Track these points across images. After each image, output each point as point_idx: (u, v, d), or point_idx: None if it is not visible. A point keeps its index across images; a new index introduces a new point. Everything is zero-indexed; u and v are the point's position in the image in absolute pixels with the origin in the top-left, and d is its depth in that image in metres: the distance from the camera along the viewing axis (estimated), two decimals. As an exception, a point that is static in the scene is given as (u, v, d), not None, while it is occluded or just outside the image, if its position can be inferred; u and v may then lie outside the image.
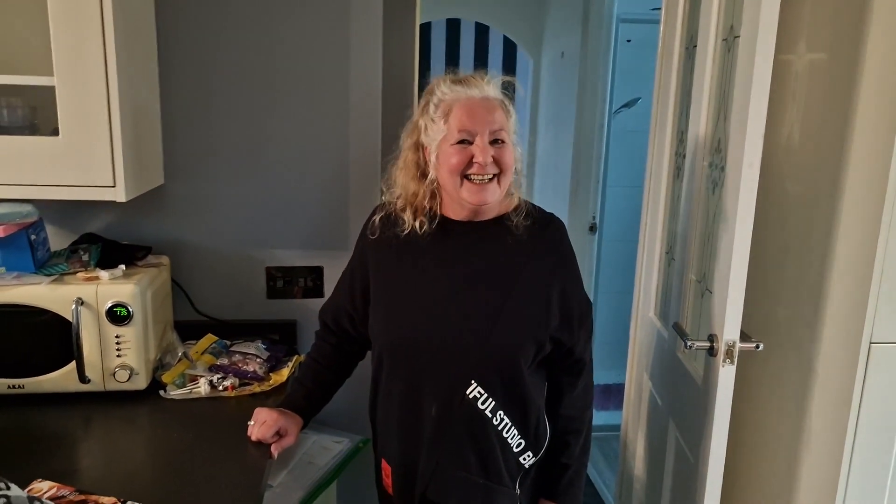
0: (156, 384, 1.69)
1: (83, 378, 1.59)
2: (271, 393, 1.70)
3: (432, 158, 1.38)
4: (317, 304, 1.78)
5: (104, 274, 1.63)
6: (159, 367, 1.73)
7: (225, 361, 1.76)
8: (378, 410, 1.51)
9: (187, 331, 1.88)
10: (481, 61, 4.83)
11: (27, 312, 1.55)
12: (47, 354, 1.58)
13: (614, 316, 3.44)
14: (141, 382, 1.64)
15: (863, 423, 1.39)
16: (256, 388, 1.71)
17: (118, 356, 1.61)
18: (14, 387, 1.59)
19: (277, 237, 1.98)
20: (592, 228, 3.80)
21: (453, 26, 4.81)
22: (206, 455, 1.41)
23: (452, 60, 4.80)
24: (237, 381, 1.70)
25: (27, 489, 0.74)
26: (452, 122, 1.34)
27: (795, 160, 1.59)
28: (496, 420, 1.40)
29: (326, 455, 1.84)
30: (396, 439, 1.47)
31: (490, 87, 1.37)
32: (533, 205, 1.47)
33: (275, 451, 1.45)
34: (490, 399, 1.38)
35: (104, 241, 1.81)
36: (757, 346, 1.50)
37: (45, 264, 1.65)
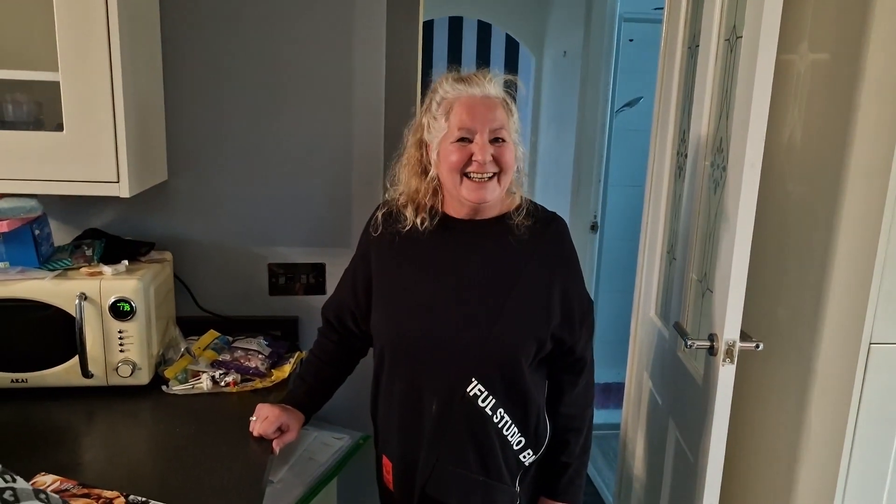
0: (158, 379, 1.69)
1: (86, 373, 1.60)
2: (273, 389, 1.71)
3: (433, 156, 1.39)
4: (319, 300, 1.79)
5: (107, 269, 1.63)
6: (162, 362, 1.74)
7: (227, 357, 1.76)
8: (379, 407, 1.52)
9: (190, 326, 1.88)
10: (483, 59, 4.83)
11: (31, 307, 1.56)
12: (51, 349, 1.59)
13: (615, 315, 3.45)
14: (143, 378, 1.65)
15: (862, 423, 1.39)
16: (258, 384, 1.71)
17: (121, 351, 1.61)
18: (17, 381, 1.59)
19: (280, 234, 1.99)
20: (593, 227, 3.81)
21: (456, 24, 4.81)
22: (207, 450, 1.42)
23: (455, 59, 4.80)
24: (239, 376, 1.71)
25: (31, 482, 0.74)
26: (453, 120, 1.34)
27: (797, 160, 1.59)
28: (496, 418, 1.40)
29: (327, 451, 1.84)
30: (397, 436, 1.47)
31: (491, 85, 1.37)
32: (535, 204, 1.48)
33: (276, 446, 1.46)
34: (490, 397, 1.39)
35: (108, 237, 1.82)
36: (757, 346, 1.51)
37: (48, 259, 1.66)
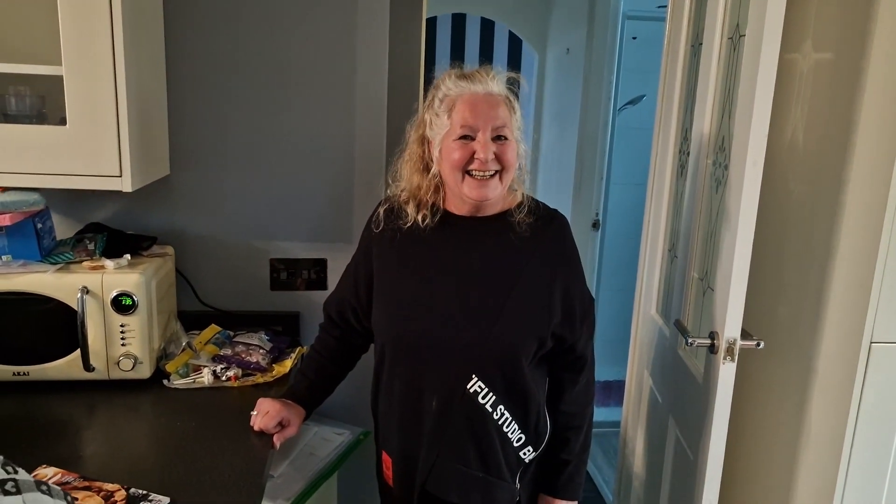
0: (159, 373, 1.70)
1: (88, 366, 1.60)
2: (274, 384, 1.71)
3: (435, 153, 1.39)
4: (320, 296, 1.79)
5: (109, 263, 1.63)
6: (163, 356, 1.74)
7: (228, 352, 1.77)
8: (379, 403, 1.52)
9: (191, 321, 1.89)
10: (486, 56, 4.83)
11: (33, 300, 1.56)
12: (52, 342, 1.60)
13: (616, 313, 3.45)
14: (145, 371, 1.65)
15: (862, 422, 1.39)
16: (259, 378, 1.72)
17: (122, 345, 1.62)
18: (19, 374, 1.60)
19: (282, 229, 1.99)
20: (595, 225, 3.81)
21: (459, 21, 4.81)
22: (208, 444, 1.42)
23: (458, 55, 4.80)
24: (240, 371, 1.71)
25: (32, 474, 0.75)
26: (455, 117, 1.34)
27: (799, 159, 1.59)
28: (496, 415, 1.40)
29: (328, 446, 1.85)
30: (397, 432, 1.48)
31: (494, 82, 1.36)
32: (536, 201, 1.48)
33: (277, 441, 1.46)
34: (491, 394, 1.39)
35: (110, 231, 1.82)
36: (758, 345, 1.51)
37: (51, 253, 1.66)
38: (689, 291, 1.85)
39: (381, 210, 1.49)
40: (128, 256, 1.69)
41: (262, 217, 1.98)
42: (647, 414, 2.20)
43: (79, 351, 1.59)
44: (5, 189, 1.56)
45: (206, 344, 1.80)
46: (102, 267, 1.63)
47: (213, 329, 1.86)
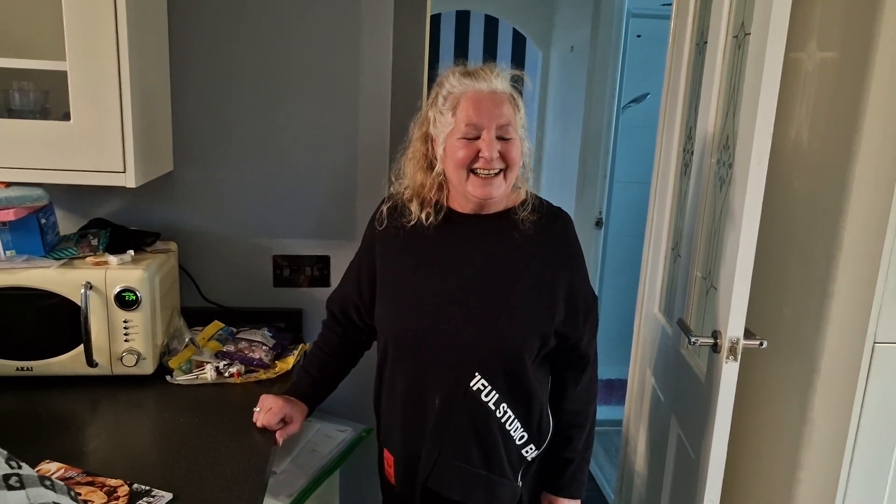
0: (162, 369, 1.70)
1: (91, 362, 1.61)
2: (276, 380, 1.71)
3: (439, 151, 1.38)
4: (323, 293, 1.79)
5: (113, 259, 1.64)
6: (166, 352, 1.74)
7: (231, 348, 1.77)
8: (382, 400, 1.52)
9: (194, 317, 1.89)
10: (490, 54, 4.82)
11: (36, 295, 1.56)
12: (56, 338, 1.60)
13: (618, 311, 3.44)
14: (148, 367, 1.65)
15: (865, 422, 1.39)
16: (262, 375, 1.72)
17: (126, 341, 1.62)
18: (23, 369, 1.60)
19: (285, 226, 1.99)
20: (598, 223, 3.80)
21: (463, 18, 4.80)
22: (211, 440, 1.43)
23: (461, 53, 4.79)
24: (243, 367, 1.72)
25: (36, 469, 0.75)
26: (460, 115, 1.33)
27: (803, 158, 1.59)
28: (499, 413, 1.40)
29: (330, 443, 1.85)
30: (400, 429, 1.48)
31: (499, 80, 1.36)
32: (540, 199, 1.47)
33: (280, 437, 1.47)
34: (493, 392, 1.39)
35: (113, 227, 1.83)
36: (761, 344, 1.51)
37: (54, 248, 1.66)
38: (692, 290, 1.85)
39: (385, 208, 1.49)
40: (131, 252, 1.69)
41: (266, 214, 1.98)
42: (649, 413, 2.20)
43: (82, 346, 1.59)
44: (9, 184, 1.57)
45: (209, 340, 1.80)
46: (106, 263, 1.63)
47: (216, 325, 1.86)
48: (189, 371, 1.70)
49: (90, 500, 1.18)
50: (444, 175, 1.41)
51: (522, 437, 1.44)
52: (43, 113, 1.62)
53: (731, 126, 1.67)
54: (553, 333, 1.41)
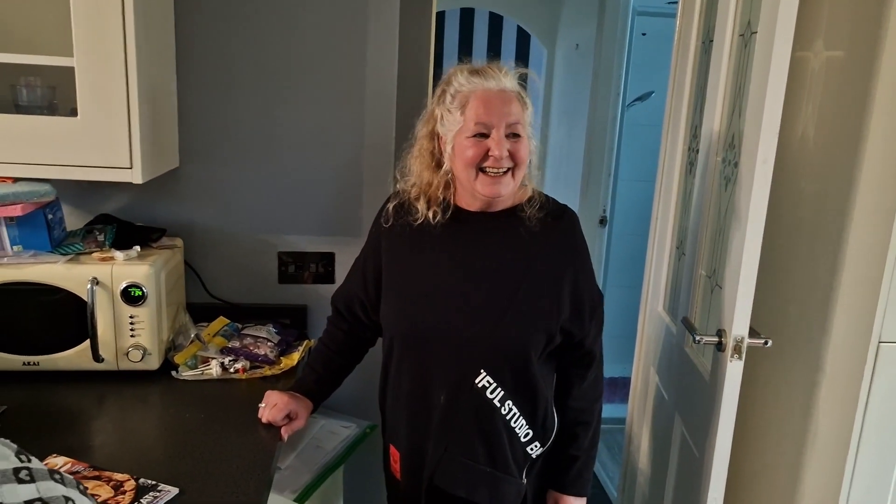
0: (168, 365, 1.71)
1: (97, 357, 1.61)
2: (281, 376, 1.72)
3: (448, 149, 1.38)
4: (327, 289, 1.80)
5: (119, 254, 1.64)
6: (171, 348, 1.75)
7: (236, 344, 1.78)
8: (387, 397, 1.53)
9: (199, 313, 1.89)
10: (495, 51, 4.81)
11: (43, 291, 1.57)
12: (62, 333, 1.61)
13: (622, 309, 3.44)
14: (153, 363, 1.66)
15: (869, 421, 1.39)
16: (267, 371, 1.73)
17: (132, 336, 1.63)
18: (29, 364, 1.61)
19: (290, 222, 2.00)
20: (603, 221, 3.80)
21: (467, 15, 4.80)
22: (217, 436, 1.43)
23: (466, 50, 4.79)
24: (248, 363, 1.72)
25: (43, 463, 0.76)
26: (469, 113, 1.33)
27: (809, 158, 1.59)
28: (504, 410, 1.41)
29: (334, 439, 1.85)
30: (405, 426, 1.48)
31: (507, 78, 1.36)
32: (546, 196, 1.47)
33: (285, 433, 1.47)
34: (499, 389, 1.39)
35: (119, 222, 1.83)
36: (765, 343, 1.51)
37: (61, 243, 1.67)
38: (696, 289, 1.85)
39: (391, 206, 1.49)
40: (137, 248, 1.69)
41: (271, 210, 1.98)
42: (652, 411, 2.20)
43: (88, 342, 1.60)
44: (16, 180, 1.57)
45: (214, 336, 1.81)
46: (112, 258, 1.64)
47: (221, 321, 1.87)
48: (194, 367, 1.71)
49: (97, 495, 1.19)
50: (452, 173, 1.41)
51: (527, 434, 1.45)
52: (50, 109, 1.63)
53: (736, 125, 1.67)
54: (558, 331, 1.41)
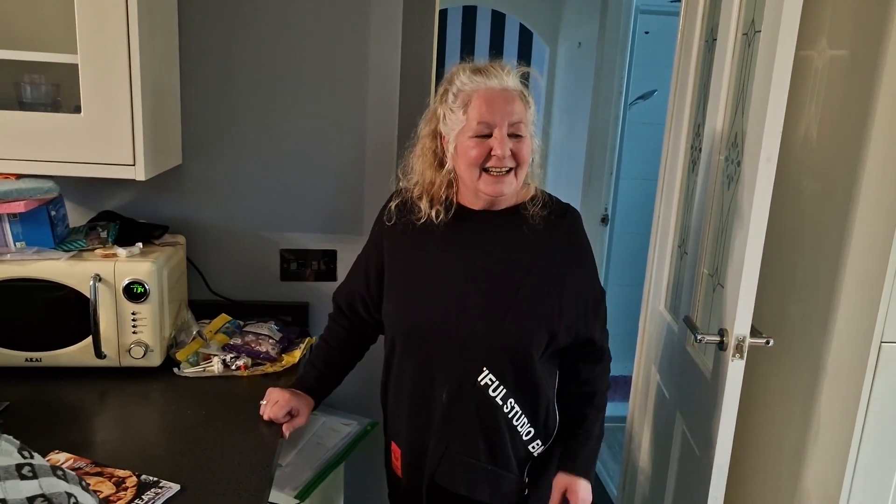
0: (170, 361, 1.71)
1: (99, 353, 1.62)
2: (283, 374, 1.72)
3: (450, 149, 1.38)
4: (329, 287, 1.80)
5: (122, 251, 1.64)
6: (173, 344, 1.75)
7: (238, 341, 1.78)
8: (389, 394, 1.53)
9: (201, 310, 1.90)
10: (497, 49, 4.81)
11: (46, 287, 1.57)
12: (65, 329, 1.61)
13: (623, 308, 3.44)
14: (155, 359, 1.66)
15: (870, 421, 1.39)
16: (268, 368, 1.73)
17: (134, 333, 1.63)
18: (32, 360, 1.61)
19: (292, 220, 2.00)
20: (604, 220, 3.80)
21: (469, 14, 4.79)
22: (218, 433, 1.44)
23: (468, 49, 4.78)
24: (250, 360, 1.72)
25: (45, 459, 0.76)
26: (472, 113, 1.33)
27: (812, 157, 1.58)
28: (506, 408, 1.41)
29: (335, 437, 1.86)
30: (407, 423, 1.48)
31: (510, 77, 1.35)
32: (549, 195, 1.47)
33: (286, 430, 1.47)
34: (501, 386, 1.39)
35: (122, 219, 1.83)
36: (767, 342, 1.51)
37: (64, 240, 1.67)
38: (698, 288, 1.85)
39: (393, 204, 1.49)
40: (140, 245, 1.70)
41: (273, 208, 1.98)
42: (653, 409, 2.21)
43: (90, 338, 1.60)
44: (20, 176, 1.57)
45: (216, 333, 1.81)
46: (115, 255, 1.64)
47: (223, 318, 1.87)
48: (196, 363, 1.71)
49: (99, 491, 1.19)
50: (455, 172, 1.41)
51: (529, 432, 1.45)
52: (54, 106, 1.63)
53: (739, 123, 1.66)
54: (562, 329, 1.41)
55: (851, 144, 1.42)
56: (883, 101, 1.34)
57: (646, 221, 2.43)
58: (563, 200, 1.50)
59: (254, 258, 2.01)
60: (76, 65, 1.49)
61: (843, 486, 1.43)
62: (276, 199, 1.98)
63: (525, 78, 1.40)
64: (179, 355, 1.71)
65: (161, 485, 1.22)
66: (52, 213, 1.64)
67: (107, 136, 1.53)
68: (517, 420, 1.42)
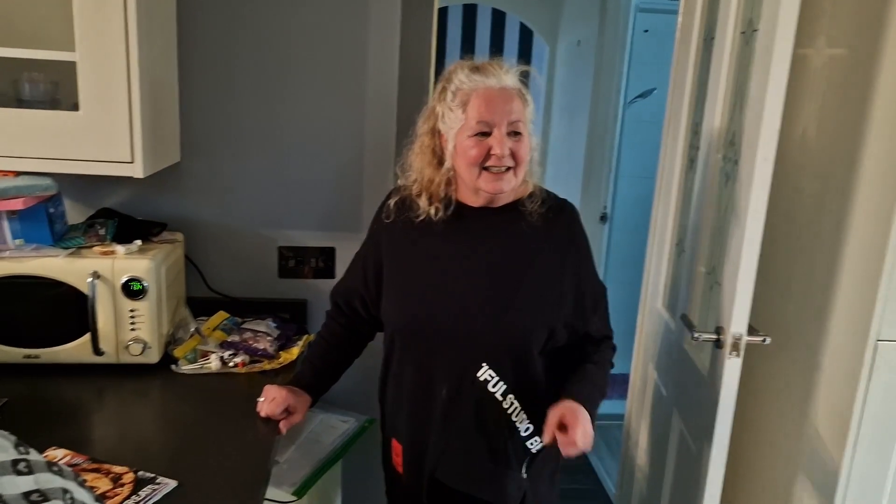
0: (168, 358, 1.71)
1: (97, 350, 1.62)
2: (280, 371, 1.72)
3: (449, 147, 1.38)
4: (327, 284, 1.80)
5: (120, 248, 1.65)
6: (171, 341, 1.75)
7: (236, 338, 1.78)
8: (388, 391, 1.53)
9: (200, 307, 1.90)
10: (497, 47, 4.82)
11: (44, 284, 1.57)
12: (63, 326, 1.61)
13: (622, 306, 3.44)
14: (153, 356, 1.67)
15: (867, 420, 1.39)
16: (266, 365, 1.73)
17: (132, 329, 1.63)
18: (30, 357, 1.61)
19: (291, 217, 2.00)
20: (603, 218, 3.80)
21: (470, 12, 4.79)
22: (215, 429, 1.44)
23: (468, 46, 4.78)
24: (247, 357, 1.73)
25: (42, 455, 0.76)
26: (471, 112, 1.33)
27: (809, 156, 1.59)
28: (506, 404, 1.41)
29: (333, 433, 1.86)
30: (406, 420, 1.49)
31: (508, 76, 1.35)
32: (547, 191, 1.47)
33: (283, 427, 1.47)
34: (501, 382, 1.39)
35: (120, 217, 1.83)
36: (764, 340, 1.51)
37: (62, 237, 1.67)
38: (696, 286, 1.85)
39: (392, 202, 1.49)
40: (138, 242, 1.70)
41: (272, 205, 1.98)
42: (651, 407, 2.21)
43: (89, 335, 1.61)
44: (18, 174, 1.58)
45: (214, 330, 1.81)
46: (113, 252, 1.64)
47: (221, 315, 1.87)
48: (194, 360, 1.71)
49: (96, 487, 1.19)
50: (454, 170, 1.41)
51: (528, 428, 1.45)
52: (52, 103, 1.63)
53: (737, 122, 1.67)
54: (561, 325, 1.41)
55: (849, 143, 1.42)
56: (881, 100, 1.34)
57: (644, 220, 2.43)
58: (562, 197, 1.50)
59: (252, 255, 2.01)
60: (75, 62, 1.49)
61: (838, 484, 1.43)
62: (275, 197, 1.98)
63: (524, 76, 1.40)
64: (177, 352, 1.72)
65: (158, 481, 1.23)
66: (51, 210, 1.65)
67: (105, 134, 1.53)
68: (516, 416, 1.43)
